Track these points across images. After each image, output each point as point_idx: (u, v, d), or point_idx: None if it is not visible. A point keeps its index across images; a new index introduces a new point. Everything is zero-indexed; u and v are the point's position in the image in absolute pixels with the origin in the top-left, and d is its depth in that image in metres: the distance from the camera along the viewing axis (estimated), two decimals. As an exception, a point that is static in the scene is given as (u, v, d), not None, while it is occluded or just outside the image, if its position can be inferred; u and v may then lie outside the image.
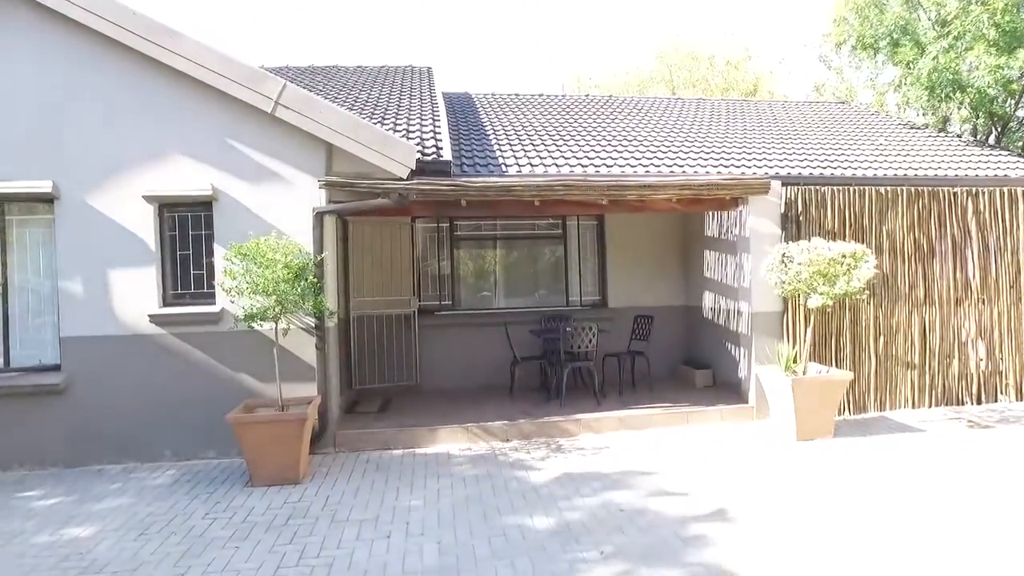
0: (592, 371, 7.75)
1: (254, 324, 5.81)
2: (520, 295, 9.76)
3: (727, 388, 8.26)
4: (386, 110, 8.71)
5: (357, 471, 5.97)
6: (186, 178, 6.45)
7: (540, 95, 12.83)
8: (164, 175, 6.42)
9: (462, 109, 11.09)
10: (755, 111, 12.25)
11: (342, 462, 6.29)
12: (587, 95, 14.32)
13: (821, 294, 6.16)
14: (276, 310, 5.83)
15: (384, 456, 6.45)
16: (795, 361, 6.85)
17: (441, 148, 7.25)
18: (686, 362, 9.37)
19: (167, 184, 6.40)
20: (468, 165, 7.67)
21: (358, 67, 12.51)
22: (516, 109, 11.27)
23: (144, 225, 6.44)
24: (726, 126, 10.64)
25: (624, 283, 9.63)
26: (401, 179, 6.46)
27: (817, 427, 6.48)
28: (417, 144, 7.15)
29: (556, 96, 13.07)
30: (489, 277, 9.70)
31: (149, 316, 6.38)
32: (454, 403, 8.01)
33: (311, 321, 6.47)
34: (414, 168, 6.47)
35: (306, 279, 5.97)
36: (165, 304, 6.55)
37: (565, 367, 7.62)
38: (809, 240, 6.68)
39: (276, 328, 5.97)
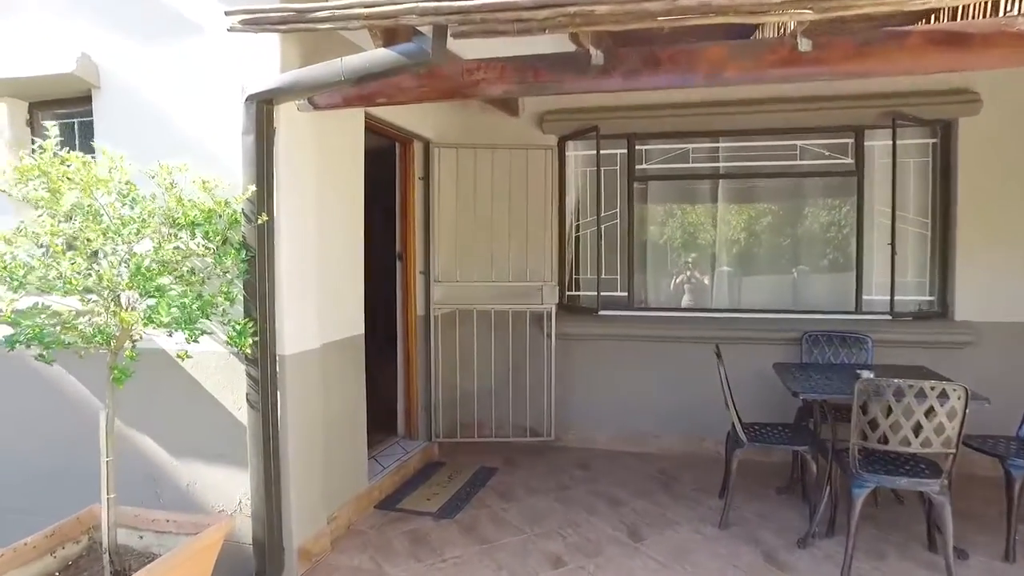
0: (941, 502, 3.00)
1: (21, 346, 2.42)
2: (758, 286, 5.16)
3: None
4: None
5: None
6: (36, 45, 3.29)
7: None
8: None
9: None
10: None
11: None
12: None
13: None
14: (97, 330, 2.38)
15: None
16: None
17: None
18: None
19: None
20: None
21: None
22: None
23: (-15, 138, 3.45)
24: None
25: (995, 269, 4.46)
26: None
27: None
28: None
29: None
30: (701, 250, 5.25)
31: (-11, 311, 3.40)
32: (596, 504, 3.91)
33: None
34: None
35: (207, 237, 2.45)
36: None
37: (860, 482, 3.02)
38: None
39: (113, 359, 2.53)
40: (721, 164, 5.08)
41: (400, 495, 4.10)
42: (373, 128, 4.25)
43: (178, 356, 2.50)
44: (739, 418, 3.62)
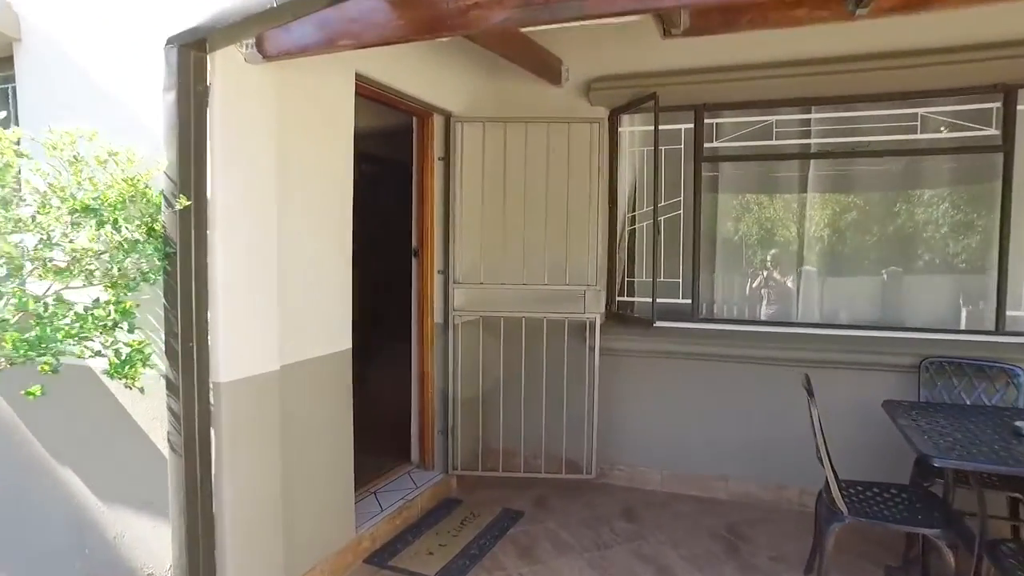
0: None
1: None
2: (858, 296, 4.11)
3: None
4: None
5: None
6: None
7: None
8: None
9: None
10: None
11: None
12: None
13: None
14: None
15: None
16: None
17: None
18: None
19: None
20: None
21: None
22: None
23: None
24: None
25: None
26: None
27: None
28: None
29: None
30: (784, 249, 4.24)
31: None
32: (640, 573, 3.05)
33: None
34: None
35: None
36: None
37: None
38: None
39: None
40: (813, 140, 4.06)
41: (399, 544, 3.36)
42: (381, 99, 3.53)
43: (27, 393, 1.82)
44: (836, 478, 2.66)
